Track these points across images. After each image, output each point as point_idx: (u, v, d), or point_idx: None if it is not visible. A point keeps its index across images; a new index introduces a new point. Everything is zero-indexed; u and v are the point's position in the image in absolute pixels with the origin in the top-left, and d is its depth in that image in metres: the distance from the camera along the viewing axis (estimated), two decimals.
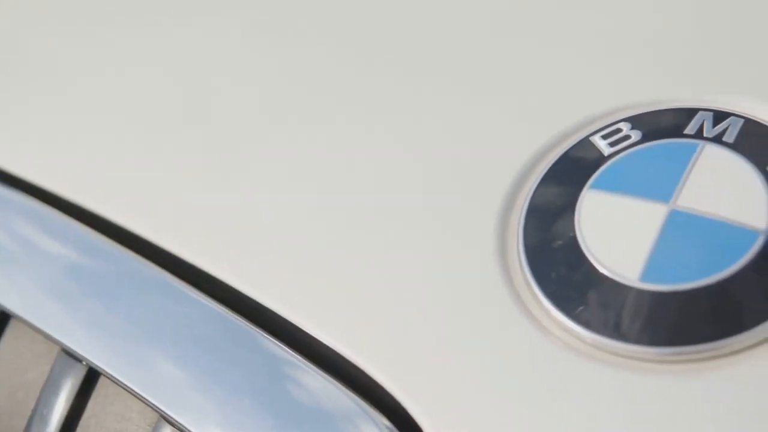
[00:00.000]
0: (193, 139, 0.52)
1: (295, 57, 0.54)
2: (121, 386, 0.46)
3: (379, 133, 0.50)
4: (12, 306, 0.50)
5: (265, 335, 0.46)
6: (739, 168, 0.44)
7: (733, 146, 0.45)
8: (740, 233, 0.42)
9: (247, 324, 0.46)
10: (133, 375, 0.46)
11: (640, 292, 0.42)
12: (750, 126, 0.45)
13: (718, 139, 0.45)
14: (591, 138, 0.47)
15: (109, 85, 0.56)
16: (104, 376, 0.47)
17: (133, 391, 0.46)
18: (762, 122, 0.45)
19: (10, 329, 0.50)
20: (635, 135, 0.46)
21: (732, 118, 0.46)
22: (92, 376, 0.48)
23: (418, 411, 0.42)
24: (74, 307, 0.49)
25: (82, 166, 0.53)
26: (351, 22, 0.55)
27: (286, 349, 0.45)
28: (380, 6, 0.55)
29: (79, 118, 0.55)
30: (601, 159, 0.46)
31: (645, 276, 0.42)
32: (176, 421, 0.45)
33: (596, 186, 0.45)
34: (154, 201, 0.51)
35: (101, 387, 0.48)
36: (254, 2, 0.57)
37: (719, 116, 0.46)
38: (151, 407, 0.46)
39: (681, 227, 0.43)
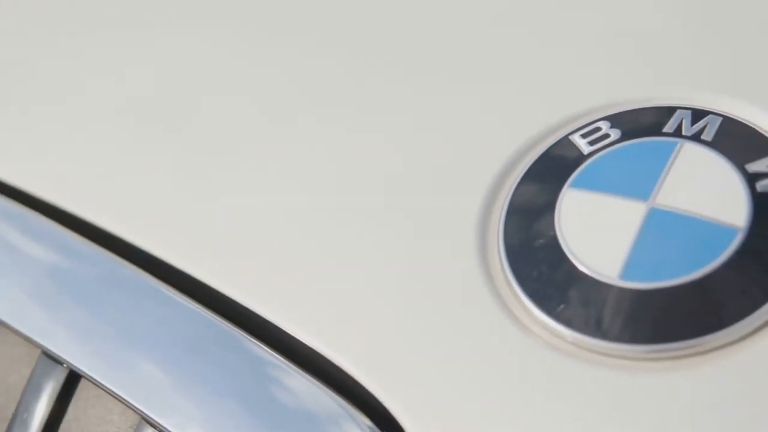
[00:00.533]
0: (174, 142, 0.52)
1: (280, 60, 0.54)
2: (102, 389, 0.46)
3: (361, 132, 0.50)
4: None
5: (247, 337, 0.46)
6: (717, 166, 0.44)
7: (712, 144, 0.45)
8: (719, 231, 0.42)
9: (229, 326, 0.46)
10: (114, 377, 0.46)
11: (620, 290, 0.42)
12: (728, 124, 0.45)
13: (696, 138, 0.45)
14: (570, 137, 0.47)
15: (93, 87, 0.56)
16: (85, 378, 0.47)
17: (115, 393, 0.46)
18: (740, 120, 0.46)
19: None
20: (614, 134, 0.46)
21: (710, 116, 0.46)
22: (73, 379, 0.48)
23: (400, 411, 0.42)
24: (55, 309, 0.49)
25: (64, 168, 0.53)
26: (336, 22, 0.55)
27: (268, 350, 0.45)
28: (364, 7, 0.55)
29: (63, 121, 0.55)
30: (581, 158, 0.46)
31: (625, 274, 0.42)
32: (158, 423, 0.45)
33: (576, 185, 0.45)
34: (137, 204, 0.51)
35: (82, 390, 0.48)
36: (240, 6, 0.57)
37: (698, 114, 0.46)
38: (133, 409, 0.46)
39: (660, 225, 0.43)
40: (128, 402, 0.45)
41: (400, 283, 0.45)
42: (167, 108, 0.53)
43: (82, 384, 0.48)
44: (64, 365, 0.48)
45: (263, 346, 0.45)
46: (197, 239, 0.49)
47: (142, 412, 0.45)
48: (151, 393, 0.45)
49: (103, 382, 0.46)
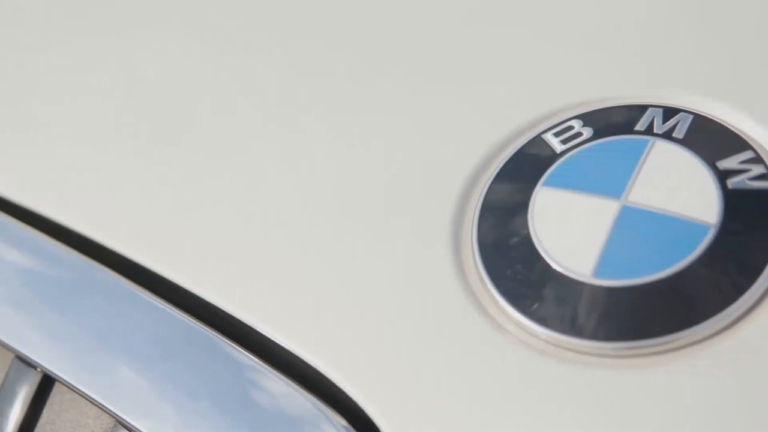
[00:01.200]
0: (144, 146, 0.52)
1: (250, 63, 0.54)
2: (76, 392, 0.46)
3: (333, 131, 0.50)
4: None
5: (222, 339, 0.45)
6: (689, 163, 0.44)
7: (683, 142, 0.45)
8: (691, 228, 0.43)
9: (204, 328, 0.46)
10: (88, 381, 0.46)
11: (594, 288, 0.42)
12: (699, 121, 0.46)
13: (668, 135, 0.45)
14: (543, 135, 0.47)
15: (65, 93, 0.56)
16: (59, 382, 0.47)
17: (89, 397, 0.46)
18: (711, 118, 0.46)
19: None
20: (587, 132, 0.47)
21: (681, 113, 0.46)
22: (47, 383, 0.47)
23: (375, 410, 0.42)
24: (28, 313, 0.49)
25: (36, 172, 0.53)
26: (304, 23, 0.55)
27: (243, 352, 0.45)
28: (342, 11, 0.55)
29: (36, 126, 0.55)
30: (554, 156, 0.46)
31: (598, 272, 0.42)
32: (133, 427, 0.45)
33: (549, 183, 0.45)
34: (110, 207, 0.50)
35: (56, 393, 0.48)
36: (233, 12, 0.57)
37: (669, 112, 0.46)
38: (108, 413, 0.45)
39: (633, 223, 0.43)
40: (103, 405, 0.45)
41: (373, 284, 0.45)
42: (161, 113, 0.53)
43: (57, 388, 0.48)
44: (38, 369, 0.48)
45: (238, 347, 0.45)
46: (174, 242, 0.48)
47: (117, 416, 0.45)
48: (125, 396, 0.45)
49: (77, 386, 0.46)
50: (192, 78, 0.54)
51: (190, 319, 0.46)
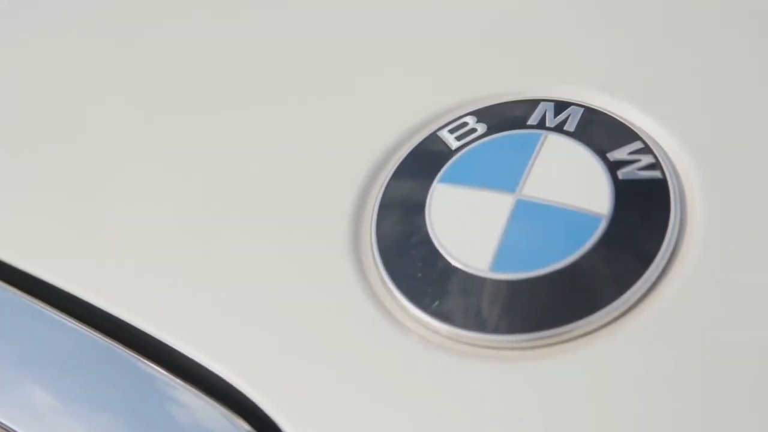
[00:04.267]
0: (42, 158, 0.52)
1: (164, 73, 0.54)
2: None
3: (229, 135, 0.50)
4: None
5: (122, 349, 0.45)
6: (580, 155, 0.45)
7: (574, 135, 0.46)
8: (584, 219, 0.43)
9: (104, 339, 0.45)
10: None
11: (492, 282, 0.43)
12: (590, 114, 0.46)
13: (559, 129, 0.46)
14: (438, 133, 0.47)
15: None
16: None
17: None
18: (601, 110, 0.47)
19: None
20: (481, 128, 0.47)
21: (572, 107, 0.47)
22: None
23: (277, 413, 0.42)
24: None
25: None
26: (199, 37, 0.55)
27: (145, 361, 0.45)
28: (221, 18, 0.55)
29: None
30: (449, 153, 0.46)
31: (495, 266, 0.43)
32: None
33: (445, 180, 0.46)
34: (8, 222, 0.50)
35: None
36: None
37: (560, 106, 0.47)
38: (8, 431, 0.45)
39: (527, 216, 0.44)
40: (2, 424, 0.45)
41: (272, 285, 0.45)
42: (29, 128, 0.53)
43: None
44: None
45: (139, 357, 0.45)
46: (69, 252, 0.48)
47: None
48: (26, 413, 0.45)
49: None
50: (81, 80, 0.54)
51: (90, 330, 0.46)
